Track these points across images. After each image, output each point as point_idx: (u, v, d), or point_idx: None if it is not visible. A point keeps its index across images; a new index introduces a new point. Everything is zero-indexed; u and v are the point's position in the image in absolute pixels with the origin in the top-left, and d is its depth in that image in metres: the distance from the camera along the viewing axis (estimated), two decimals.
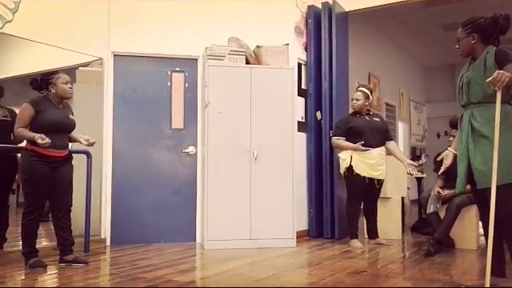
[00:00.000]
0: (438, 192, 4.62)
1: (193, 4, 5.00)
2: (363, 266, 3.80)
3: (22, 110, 3.59)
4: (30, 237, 3.59)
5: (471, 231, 4.54)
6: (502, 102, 2.80)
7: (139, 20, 4.88)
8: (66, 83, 3.71)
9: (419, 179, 6.56)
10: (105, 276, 3.54)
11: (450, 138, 4.53)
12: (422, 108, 11.99)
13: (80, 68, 4.69)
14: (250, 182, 4.58)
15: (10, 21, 4.08)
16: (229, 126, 4.57)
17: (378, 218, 4.89)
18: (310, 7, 5.49)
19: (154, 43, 4.89)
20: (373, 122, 4.81)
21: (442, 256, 4.14)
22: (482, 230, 3.72)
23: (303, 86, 5.44)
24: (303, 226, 5.26)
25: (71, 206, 3.76)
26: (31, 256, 3.59)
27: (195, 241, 4.90)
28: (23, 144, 3.65)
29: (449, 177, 4.15)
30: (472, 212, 4.49)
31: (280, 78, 4.74)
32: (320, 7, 5.45)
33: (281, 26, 5.20)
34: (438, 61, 11.54)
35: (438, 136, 11.99)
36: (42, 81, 3.72)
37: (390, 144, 4.89)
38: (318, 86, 5.38)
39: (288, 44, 5.01)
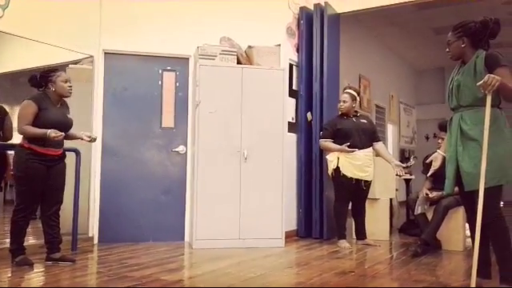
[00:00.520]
0: (427, 194, 4.66)
1: (185, 3, 4.99)
2: (351, 266, 3.82)
3: (25, 107, 3.51)
4: (18, 234, 3.56)
5: (458, 233, 4.58)
6: (491, 106, 2.83)
7: (131, 18, 4.86)
8: (66, 82, 3.67)
9: (407, 181, 6.60)
10: (92, 274, 3.52)
11: (439, 141, 4.56)
12: (411, 110, 12.08)
13: (70, 65, 4.67)
14: (240, 181, 4.58)
15: (0, 17, 4.05)
16: (219, 125, 4.57)
17: (365, 219, 4.93)
18: (302, 8, 5.50)
19: (146, 42, 4.87)
20: (360, 124, 4.84)
21: (428, 257, 4.18)
22: (468, 232, 3.76)
23: (294, 87, 5.45)
24: (292, 226, 5.28)
25: (61, 204, 3.74)
26: (18, 253, 3.56)
27: (184, 240, 4.90)
28: (15, 141, 3.58)
29: (437, 179, 4.18)
30: (459, 214, 4.54)
31: (271, 78, 4.75)
32: (312, 8, 5.47)
33: (273, 26, 5.19)
34: (428, 64, 11.62)
35: (427, 138, 12.09)
36: (41, 78, 3.66)
37: (378, 145, 4.93)
38: (309, 87, 5.40)
39: (280, 45, 5.03)
